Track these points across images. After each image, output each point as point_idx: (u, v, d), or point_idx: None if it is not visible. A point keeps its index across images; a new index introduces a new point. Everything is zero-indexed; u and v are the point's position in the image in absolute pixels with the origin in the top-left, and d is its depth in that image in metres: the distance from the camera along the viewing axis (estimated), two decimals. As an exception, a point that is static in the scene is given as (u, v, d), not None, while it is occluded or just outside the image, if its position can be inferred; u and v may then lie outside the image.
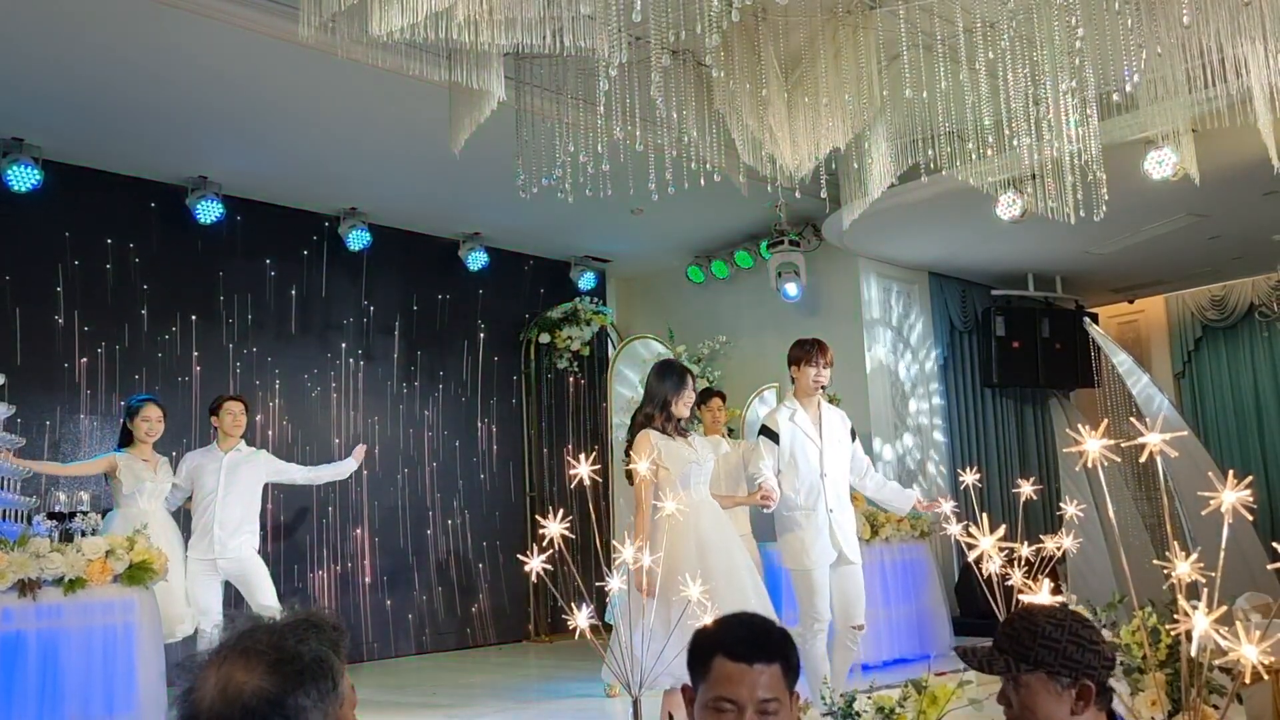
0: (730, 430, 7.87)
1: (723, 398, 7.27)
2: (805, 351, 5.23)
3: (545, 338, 9.45)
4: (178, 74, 5.91)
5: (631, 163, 5.49)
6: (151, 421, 5.88)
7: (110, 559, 4.58)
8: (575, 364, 9.76)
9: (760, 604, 4.59)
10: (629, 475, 4.66)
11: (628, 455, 4.74)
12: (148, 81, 6.00)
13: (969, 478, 4.99)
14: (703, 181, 5.60)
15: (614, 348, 9.69)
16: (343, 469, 6.75)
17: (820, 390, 5.29)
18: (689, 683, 1.95)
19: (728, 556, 4.69)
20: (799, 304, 9.07)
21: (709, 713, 1.85)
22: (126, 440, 5.91)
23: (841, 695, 3.61)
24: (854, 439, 5.37)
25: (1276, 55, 4.51)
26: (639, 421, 4.82)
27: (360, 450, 6.77)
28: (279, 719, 1.33)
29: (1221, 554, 2.48)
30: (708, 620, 2.01)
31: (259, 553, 6.12)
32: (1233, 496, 2.41)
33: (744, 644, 1.87)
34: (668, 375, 4.86)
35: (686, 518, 4.48)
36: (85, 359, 7.18)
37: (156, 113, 6.42)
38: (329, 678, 1.39)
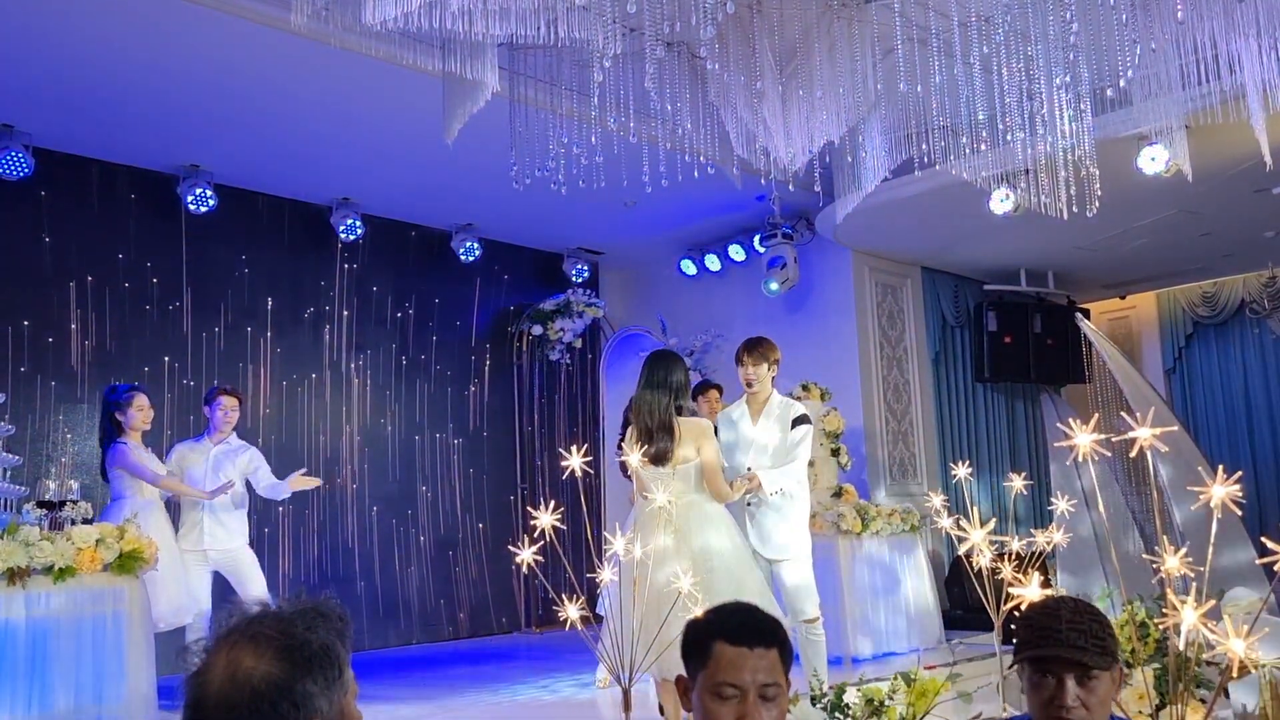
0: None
1: (720, 390, 7.27)
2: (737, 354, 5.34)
3: (537, 329, 9.44)
4: (170, 62, 5.88)
5: (625, 155, 5.49)
6: (144, 410, 5.87)
7: (100, 548, 4.57)
8: (567, 356, 9.75)
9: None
10: (656, 458, 4.66)
11: (662, 437, 4.68)
12: (140, 69, 5.96)
13: (960, 472, 5.00)
14: (696, 174, 5.60)
15: (606, 340, 9.69)
16: (277, 491, 6.23)
17: (749, 386, 5.28)
18: (683, 673, 1.96)
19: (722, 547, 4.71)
20: (791, 298, 9.07)
21: (711, 698, 1.85)
22: (116, 431, 5.88)
23: (831, 688, 3.63)
24: (795, 427, 5.19)
25: (1270, 51, 4.52)
26: (673, 410, 4.75)
27: (294, 478, 6.17)
28: (287, 705, 1.34)
29: (1210, 549, 2.49)
30: (698, 612, 2.02)
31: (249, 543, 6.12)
32: (1222, 491, 2.42)
33: (743, 629, 1.88)
34: (682, 367, 4.89)
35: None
36: (75, 348, 7.15)
37: (148, 101, 6.39)
38: (335, 666, 1.40)
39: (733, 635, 1.87)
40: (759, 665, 1.84)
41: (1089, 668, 2.05)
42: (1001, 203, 7.09)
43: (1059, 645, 2.06)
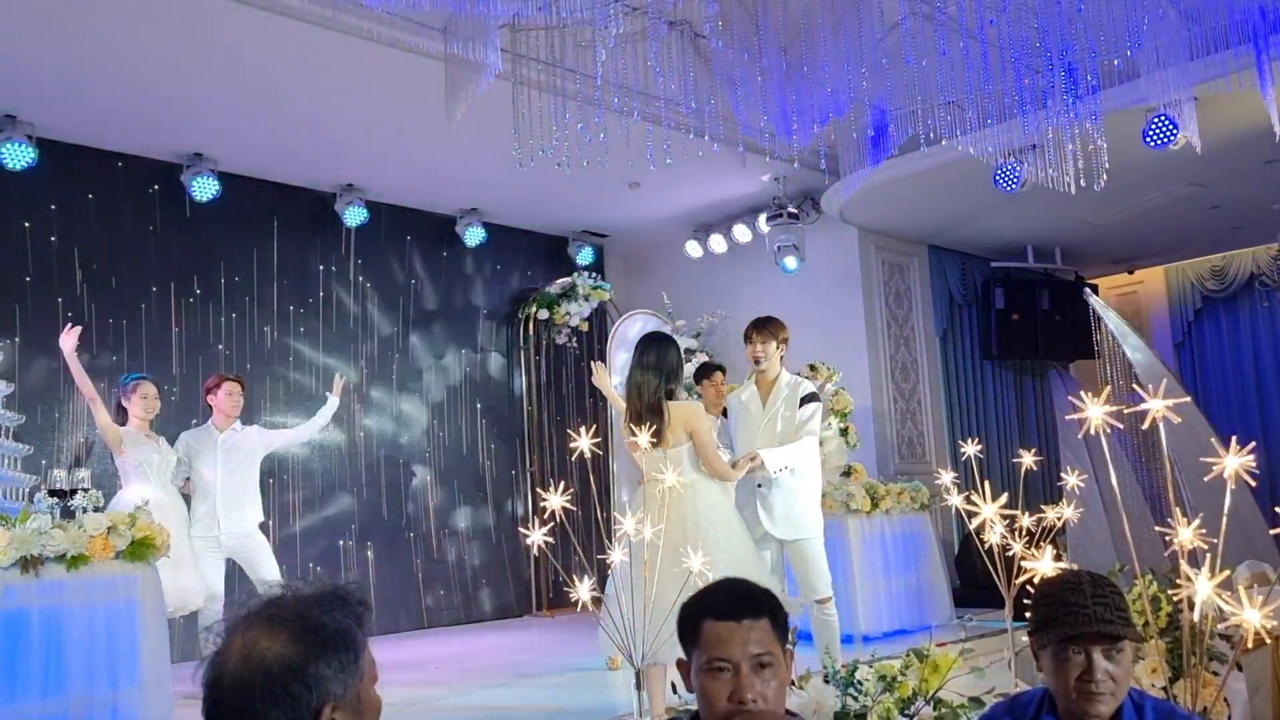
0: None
1: (724, 372, 7.26)
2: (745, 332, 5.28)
3: (544, 313, 9.43)
4: (171, 50, 5.85)
5: (629, 136, 5.46)
6: (149, 399, 5.89)
7: (112, 535, 4.58)
8: (574, 339, 9.74)
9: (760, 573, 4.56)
10: (631, 440, 4.62)
11: (651, 419, 4.63)
12: (141, 58, 5.95)
13: (970, 449, 4.99)
14: (701, 154, 5.57)
15: (613, 323, 9.68)
16: (326, 410, 6.67)
17: (757, 364, 5.21)
18: (682, 656, 1.97)
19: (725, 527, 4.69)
20: (798, 277, 9.04)
21: (705, 677, 1.86)
22: (123, 420, 5.91)
23: (844, 665, 3.63)
24: (804, 404, 5.14)
25: (1277, 20, 4.48)
26: (663, 394, 4.70)
27: (338, 384, 6.71)
28: (299, 686, 1.36)
29: (1224, 520, 2.48)
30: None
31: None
32: (1235, 462, 2.41)
33: (728, 603, 1.89)
34: (675, 350, 4.82)
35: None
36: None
37: (151, 89, 6.37)
38: (351, 650, 1.42)
39: (719, 611, 1.88)
40: (749, 637, 1.84)
41: (1118, 639, 2.04)
42: (1008, 178, 7.03)
43: (1089, 621, 2.05)
